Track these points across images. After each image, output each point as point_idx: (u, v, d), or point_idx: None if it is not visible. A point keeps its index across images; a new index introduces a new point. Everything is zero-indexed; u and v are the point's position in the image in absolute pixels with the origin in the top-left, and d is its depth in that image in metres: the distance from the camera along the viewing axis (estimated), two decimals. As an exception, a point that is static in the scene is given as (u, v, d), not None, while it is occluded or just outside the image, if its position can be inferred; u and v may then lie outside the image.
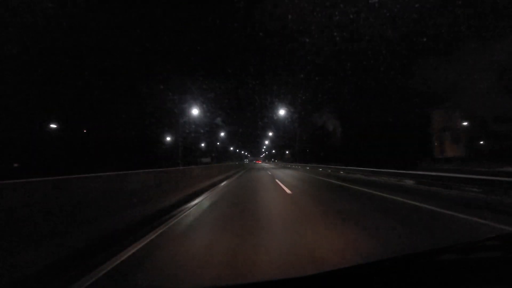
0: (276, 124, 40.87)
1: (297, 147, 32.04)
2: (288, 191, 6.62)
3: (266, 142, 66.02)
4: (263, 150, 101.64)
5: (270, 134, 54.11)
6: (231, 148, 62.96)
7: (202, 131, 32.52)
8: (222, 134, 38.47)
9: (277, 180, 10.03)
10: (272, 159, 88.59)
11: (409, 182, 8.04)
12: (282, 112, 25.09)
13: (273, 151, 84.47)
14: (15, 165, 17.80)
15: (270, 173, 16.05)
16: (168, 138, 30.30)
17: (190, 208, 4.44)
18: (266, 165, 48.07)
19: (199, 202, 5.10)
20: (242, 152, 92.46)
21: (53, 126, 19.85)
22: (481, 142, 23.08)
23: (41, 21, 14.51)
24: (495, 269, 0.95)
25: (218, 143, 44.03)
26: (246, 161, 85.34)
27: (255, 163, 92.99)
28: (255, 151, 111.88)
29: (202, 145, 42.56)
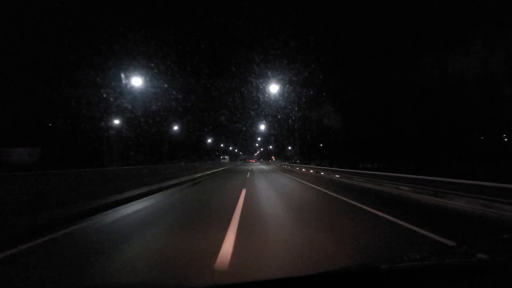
0: (278, 122, 40.01)
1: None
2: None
3: (262, 129, 55.30)
4: (257, 145, 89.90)
5: (262, 128, 48.08)
6: (209, 141, 47.40)
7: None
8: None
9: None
10: (272, 158, 76.49)
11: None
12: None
13: (270, 147, 74.26)
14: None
15: None
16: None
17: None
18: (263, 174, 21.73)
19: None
20: (231, 148, 75.95)
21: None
22: None
23: (45, 18, 14.49)
24: (500, 272, 0.94)
25: (175, 128, 28.19)
26: (225, 159, 55.59)
27: (247, 161, 78.82)
28: (249, 150, 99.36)
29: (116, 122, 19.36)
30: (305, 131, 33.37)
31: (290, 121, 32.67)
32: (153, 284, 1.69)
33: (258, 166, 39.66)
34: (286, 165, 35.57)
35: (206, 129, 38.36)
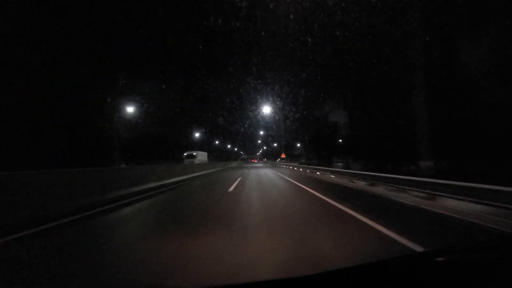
0: (277, 123, 39.34)
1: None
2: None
3: (263, 129, 54.91)
4: (259, 142, 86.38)
5: (264, 129, 45.59)
6: (197, 135, 37.44)
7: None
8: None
9: None
10: (283, 156, 73.93)
11: None
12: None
13: (275, 144, 69.86)
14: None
15: None
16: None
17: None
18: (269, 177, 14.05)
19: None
20: (229, 146, 70.45)
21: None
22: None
23: (42, 18, 14.56)
24: (495, 270, 0.94)
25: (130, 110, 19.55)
26: (193, 158, 31.52)
27: (249, 162, 75.11)
28: (251, 150, 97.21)
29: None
30: (303, 132, 32.40)
31: (288, 122, 32.05)
32: (151, 287, 1.75)
33: (260, 170, 24.04)
34: (306, 167, 20.16)
35: (197, 125, 34.99)
